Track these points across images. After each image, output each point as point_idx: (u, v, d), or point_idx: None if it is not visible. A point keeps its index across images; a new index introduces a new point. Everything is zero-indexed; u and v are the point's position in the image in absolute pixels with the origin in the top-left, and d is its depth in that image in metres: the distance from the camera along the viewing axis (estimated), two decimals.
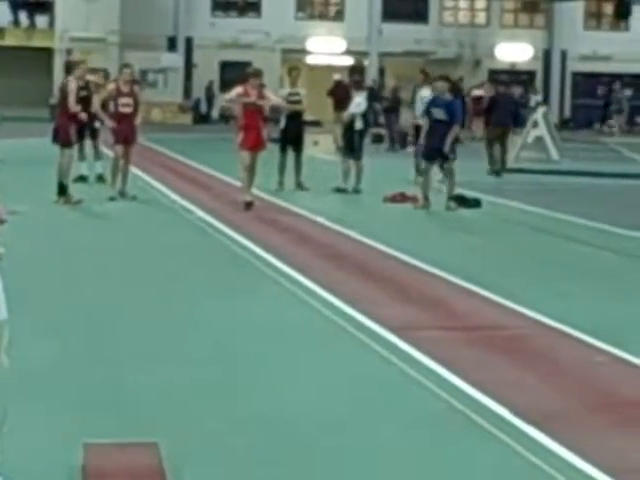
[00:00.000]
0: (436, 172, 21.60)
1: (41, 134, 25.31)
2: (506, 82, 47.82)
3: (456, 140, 21.93)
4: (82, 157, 22.75)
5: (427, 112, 21.56)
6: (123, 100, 20.74)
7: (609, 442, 7.21)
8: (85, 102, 20.78)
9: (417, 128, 24.29)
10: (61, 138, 20.10)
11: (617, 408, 8.05)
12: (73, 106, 20.13)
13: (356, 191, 22.91)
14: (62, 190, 19.69)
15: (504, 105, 31.30)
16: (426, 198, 20.81)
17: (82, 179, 22.42)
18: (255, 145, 19.65)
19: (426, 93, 24.00)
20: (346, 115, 23.90)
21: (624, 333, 10.23)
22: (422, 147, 21.91)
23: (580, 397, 8.37)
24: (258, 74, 20.39)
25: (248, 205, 19.26)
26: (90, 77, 22.08)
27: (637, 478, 6.45)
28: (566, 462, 6.74)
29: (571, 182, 27.69)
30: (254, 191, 19.82)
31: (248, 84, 19.97)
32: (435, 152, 21.01)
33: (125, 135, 20.67)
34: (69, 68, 21.49)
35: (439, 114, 21.08)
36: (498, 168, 29.45)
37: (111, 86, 21.56)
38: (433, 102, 21.62)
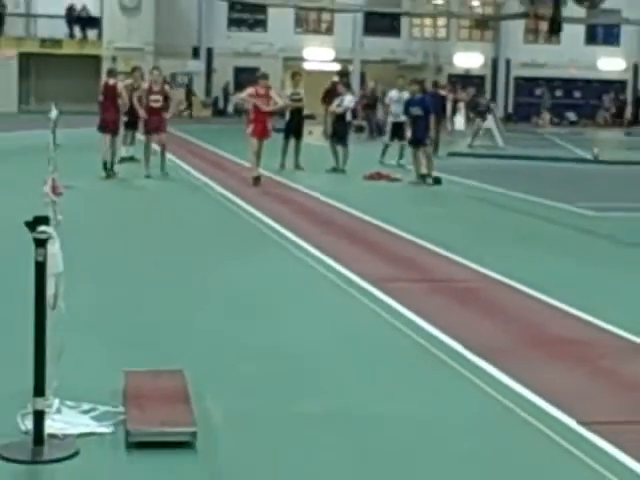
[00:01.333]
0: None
1: (90, 125, 25.17)
2: (462, 84, 47.77)
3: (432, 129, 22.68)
4: (125, 142, 22.72)
5: (406, 111, 21.83)
6: (153, 97, 20.69)
7: (542, 371, 7.24)
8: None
9: (395, 125, 24.75)
10: (110, 128, 20.13)
11: (548, 344, 8.07)
12: (125, 103, 20.28)
13: (342, 171, 22.92)
14: (106, 168, 19.75)
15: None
16: (418, 176, 21.11)
17: (127, 159, 22.33)
18: (262, 134, 19.58)
19: (393, 94, 25.43)
20: (341, 109, 23.93)
21: (554, 285, 10.24)
22: (409, 138, 22.31)
23: (519, 336, 8.39)
24: (266, 77, 20.41)
25: (256, 180, 19.23)
26: (127, 80, 22.00)
27: (563, 398, 6.46)
28: (507, 386, 6.77)
29: (513, 164, 27.67)
30: (260, 170, 19.79)
31: (258, 85, 19.86)
32: (418, 141, 21.34)
33: (155, 125, 20.62)
34: (110, 73, 21.50)
35: (416, 111, 21.20)
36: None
37: (145, 85, 21.48)
38: (410, 102, 21.73)
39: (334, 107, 24.24)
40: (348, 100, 24.16)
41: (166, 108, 21.07)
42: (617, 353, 7.80)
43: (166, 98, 21.04)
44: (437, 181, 20.90)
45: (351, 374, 7.07)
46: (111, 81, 20.75)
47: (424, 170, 21.18)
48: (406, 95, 22.89)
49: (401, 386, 6.85)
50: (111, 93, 20.41)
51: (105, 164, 19.89)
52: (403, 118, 23.04)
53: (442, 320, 8.58)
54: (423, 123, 21.33)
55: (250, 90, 20.06)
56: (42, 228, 5.49)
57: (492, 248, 12.89)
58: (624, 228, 15.36)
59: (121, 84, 20.87)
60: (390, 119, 25.41)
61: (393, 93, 25.54)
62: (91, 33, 53.79)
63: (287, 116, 23.66)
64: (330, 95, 27.46)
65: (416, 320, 8.60)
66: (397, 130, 24.60)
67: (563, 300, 9.45)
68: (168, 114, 21.15)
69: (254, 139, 19.60)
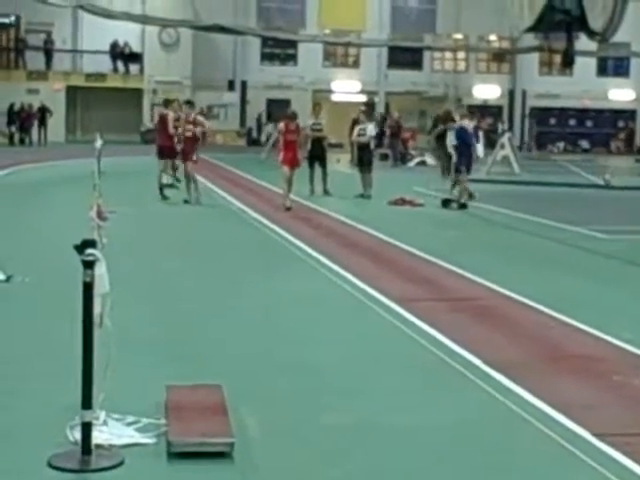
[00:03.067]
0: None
1: (133, 153, 25.37)
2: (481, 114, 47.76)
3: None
4: (165, 170, 22.74)
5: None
6: (187, 126, 20.74)
7: (557, 385, 7.22)
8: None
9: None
10: (166, 154, 20.38)
11: (564, 360, 8.04)
12: (171, 130, 20.49)
13: (368, 197, 22.90)
14: (162, 191, 20.08)
15: None
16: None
17: (168, 186, 22.32)
18: (292, 163, 19.86)
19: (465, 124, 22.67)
20: (365, 138, 23.88)
21: (567, 303, 10.20)
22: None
23: (535, 351, 8.36)
24: (294, 116, 20.88)
25: (287, 209, 19.22)
26: (171, 112, 21.96)
27: (577, 411, 6.44)
28: (524, 400, 6.75)
29: (529, 190, 27.59)
30: (292, 196, 19.83)
31: (288, 122, 20.37)
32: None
33: (184, 153, 20.61)
34: (166, 103, 21.81)
35: (454, 141, 21.89)
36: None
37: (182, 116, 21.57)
38: (458, 133, 21.87)
39: (355, 136, 24.25)
40: (370, 129, 24.13)
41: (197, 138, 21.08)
42: (630, 369, 7.75)
43: (195, 127, 20.95)
44: (463, 206, 20.88)
45: (378, 387, 7.07)
46: (164, 111, 21.11)
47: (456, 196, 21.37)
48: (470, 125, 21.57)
49: (426, 399, 6.84)
50: (164, 122, 20.75)
51: (161, 188, 20.27)
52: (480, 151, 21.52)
53: (462, 337, 8.57)
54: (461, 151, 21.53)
55: (281, 125, 20.61)
56: (90, 251, 5.54)
57: (509, 269, 12.86)
58: (635, 250, 15.29)
59: (172, 114, 21.08)
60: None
61: (465, 123, 22.82)
62: (133, 67, 54.12)
63: (309, 145, 23.62)
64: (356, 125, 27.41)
65: (438, 336, 8.59)
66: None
67: (577, 318, 9.41)
68: (203, 142, 21.27)
69: (285, 167, 19.75)
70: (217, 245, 14.53)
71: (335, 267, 12.29)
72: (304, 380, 7.18)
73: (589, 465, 5.54)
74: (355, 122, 25.50)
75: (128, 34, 50.95)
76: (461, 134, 21.68)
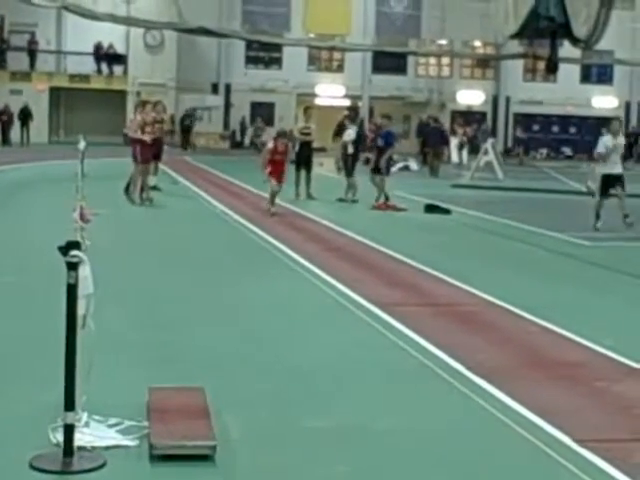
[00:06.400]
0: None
1: (117, 155, 25.28)
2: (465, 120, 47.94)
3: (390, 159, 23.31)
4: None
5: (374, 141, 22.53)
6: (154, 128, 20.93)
7: (539, 391, 7.24)
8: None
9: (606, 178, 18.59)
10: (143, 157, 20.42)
11: (545, 366, 8.07)
12: (132, 133, 20.39)
13: (354, 201, 22.89)
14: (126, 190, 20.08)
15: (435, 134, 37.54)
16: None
17: (154, 188, 22.23)
18: (280, 180, 19.61)
19: (606, 140, 18.56)
20: (341, 142, 23.98)
21: (549, 309, 10.24)
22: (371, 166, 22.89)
23: (518, 357, 8.39)
24: (285, 135, 20.57)
25: (273, 214, 19.12)
26: (151, 113, 21.80)
27: (558, 417, 6.47)
28: (506, 405, 6.77)
29: (512, 196, 27.68)
30: (277, 200, 19.80)
31: (278, 142, 19.79)
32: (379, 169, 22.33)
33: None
34: (138, 106, 21.68)
35: (380, 143, 22.43)
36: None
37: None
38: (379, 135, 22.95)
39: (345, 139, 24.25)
40: (347, 134, 24.09)
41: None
42: (611, 375, 7.78)
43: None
44: (446, 211, 20.95)
45: (360, 391, 7.08)
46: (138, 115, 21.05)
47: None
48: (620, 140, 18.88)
49: (407, 403, 6.86)
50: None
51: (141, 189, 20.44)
52: (619, 170, 18.60)
53: (445, 342, 8.59)
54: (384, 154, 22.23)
55: (270, 146, 19.99)
56: (74, 252, 5.53)
57: (492, 274, 12.90)
58: (616, 257, 15.36)
59: (138, 117, 20.95)
60: (601, 169, 18.73)
61: (606, 139, 18.65)
62: (117, 69, 54.09)
63: (296, 148, 23.54)
64: (340, 129, 27.34)
65: (420, 341, 8.61)
66: (614, 183, 18.48)
67: (559, 324, 9.44)
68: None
69: (273, 181, 19.59)
70: (200, 248, 14.52)
71: (318, 271, 12.30)
72: (287, 383, 7.19)
73: (570, 470, 5.57)
74: (341, 126, 25.41)
75: (112, 35, 50.91)
76: (388, 137, 22.60)
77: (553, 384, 7.45)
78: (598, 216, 18.61)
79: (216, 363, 7.68)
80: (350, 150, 23.73)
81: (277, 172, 19.55)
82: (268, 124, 56.38)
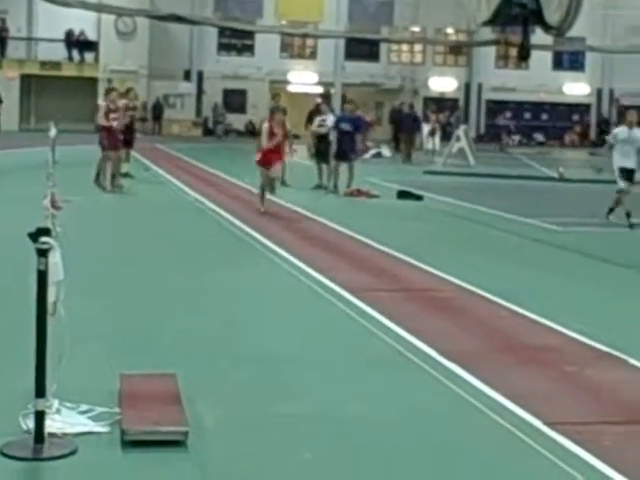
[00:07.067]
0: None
1: (87, 142, 25.16)
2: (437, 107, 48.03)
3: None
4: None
5: (336, 126, 22.31)
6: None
7: (510, 375, 7.28)
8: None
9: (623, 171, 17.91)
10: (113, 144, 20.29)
11: (516, 350, 8.11)
12: (101, 120, 20.31)
13: (333, 188, 22.70)
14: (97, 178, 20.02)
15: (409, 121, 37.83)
16: (334, 187, 22.08)
17: (123, 175, 22.11)
18: (272, 165, 17.53)
19: (621, 130, 18.34)
20: (324, 129, 23.77)
21: (521, 294, 10.29)
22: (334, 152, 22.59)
23: (489, 342, 8.44)
24: (285, 112, 18.38)
25: (262, 213, 17.36)
26: (122, 100, 21.71)
27: (529, 401, 6.50)
28: (477, 389, 6.81)
29: (484, 182, 27.77)
30: (249, 187, 19.74)
31: (274, 121, 17.55)
32: (343, 154, 22.15)
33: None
34: (106, 93, 21.60)
35: (346, 127, 22.18)
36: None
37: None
38: (341, 119, 22.84)
39: (315, 127, 24.15)
40: (330, 120, 24.03)
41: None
42: (581, 359, 7.83)
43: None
44: (419, 198, 20.99)
45: (332, 378, 7.09)
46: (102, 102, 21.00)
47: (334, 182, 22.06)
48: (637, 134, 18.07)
49: (378, 389, 6.87)
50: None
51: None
52: (632, 164, 17.99)
53: (417, 327, 8.62)
54: (350, 139, 22.07)
55: (265, 126, 17.80)
56: (44, 239, 5.51)
57: (464, 260, 12.94)
58: (587, 242, 15.45)
59: (103, 104, 20.87)
60: (617, 163, 18.05)
61: (621, 130, 18.44)
62: (89, 56, 53.78)
63: None
64: (313, 116, 27.28)
65: (393, 327, 8.63)
66: (627, 176, 18.00)
67: (531, 309, 9.50)
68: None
69: (262, 168, 17.75)
70: (173, 236, 14.48)
71: (292, 259, 12.31)
72: (260, 370, 7.19)
73: (540, 453, 5.61)
74: (313, 113, 25.38)
75: (84, 22, 50.59)
76: (357, 122, 22.76)
77: (524, 368, 7.50)
78: (612, 209, 17.89)
79: (189, 350, 7.67)
80: (331, 137, 23.48)
81: (268, 161, 17.50)
82: (240, 111, 56.41)
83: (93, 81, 51.89)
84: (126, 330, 8.31)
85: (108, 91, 21.74)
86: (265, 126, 17.75)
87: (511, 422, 6.10)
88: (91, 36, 53.51)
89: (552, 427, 6.00)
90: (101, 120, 20.48)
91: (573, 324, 8.83)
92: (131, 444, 5.47)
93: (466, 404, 6.51)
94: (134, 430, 5.52)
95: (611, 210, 17.97)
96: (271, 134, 17.32)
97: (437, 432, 6.00)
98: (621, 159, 17.91)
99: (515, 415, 6.26)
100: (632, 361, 7.71)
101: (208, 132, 55.44)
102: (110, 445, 5.51)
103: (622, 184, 17.75)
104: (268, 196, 17.85)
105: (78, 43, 53.38)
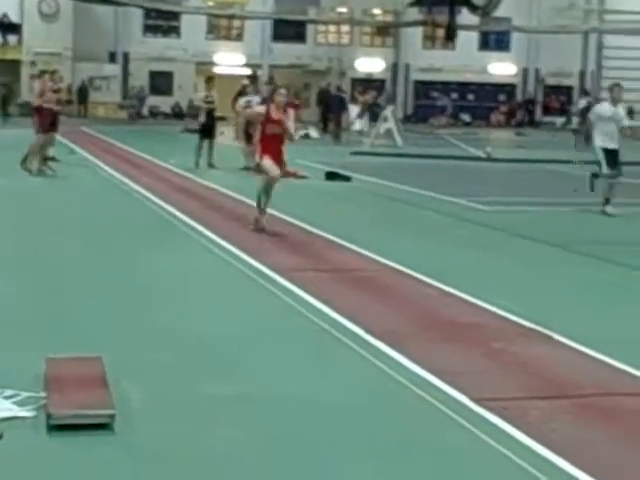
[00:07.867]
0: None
1: (11, 126, 24.86)
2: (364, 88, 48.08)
3: None
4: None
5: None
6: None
7: (437, 352, 7.36)
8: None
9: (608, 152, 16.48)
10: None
11: (443, 328, 8.19)
12: (36, 100, 20.18)
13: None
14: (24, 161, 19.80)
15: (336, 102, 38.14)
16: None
17: (49, 159, 21.90)
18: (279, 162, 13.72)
19: (604, 107, 16.96)
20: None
21: (449, 273, 10.38)
22: None
23: (416, 320, 8.51)
24: (280, 89, 14.06)
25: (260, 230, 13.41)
26: (49, 83, 21.57)
27: (456, 377, 6.57)
28: (404, 366, 6.87)
29: (412, 163, 27.91)
30: (179, 170, 19.63)
31: (273, 103, 13.56)
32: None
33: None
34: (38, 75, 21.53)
35: None
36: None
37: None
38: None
39: (240, 108, 23.98)
40: (255, 101, 23.90)
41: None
42: (508, 336, 7.93)
43: None
44: (347, 179, 21.04)
45: (259, 358, 7.11)
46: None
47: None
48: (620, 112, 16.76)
49: (306, 368, 6.90)
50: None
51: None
52: (616, 144, 16.65)
53: (345, 306, 8.66)
54: None
55: (259, 109, 14.44)
56: None
57: (393, 240, 13.00)
58: (512, 221, 15.60)
59: (36, 85, 20.85)
60: (599, 143, 16.72)
61: (604, 106, 17.13)
62: (12, 39, 53.00)
63: (202, 117, 23.57)
64: (239, 97, 27.15)
65: (320, 307, 8.66)
66: (611, 159, 16.59)
67: (457, 287, 9.59)
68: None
69: (266, 162, 13.51)
70: (99, 218, 14.35)
71: (220, 240, 12.27)
72: (187, 352, 7.17)
73: (467, 428, 5.68)
74: (239, 94, 25.34)
75: (6, 4, 49.94)
76: None
77: (450, 345, 7.58)
78: (608, 200, 16.30)
79: (115, 334, 7.63)
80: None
81: (275, 155, 13.53)
82: (166, 93, 56.05)
83: (16, 64, 51.18)
84: (50, 312, 8.23)
85: (39, 73, 21.75)
86: (258, 110, 14.55)
87: (437, 398, 6.16)
88: (14, 18, 52.73)
89: (478, 403, 6.08)
90: (36, 100, 20.40)
91: (499, 301, 8.94)
92: (57, 428, 5.43)
93: (391, 380, 6.56)
94: (60, 414, 5.48)
95: (607, 201, 16.33)
96: (268, 120, 13.41)
97: (363, 409, 6.05)
98: (604, 139, 16.51)
99: (441, 391, 6.32)
100: (557, 337, 7.82)
101: (138, 115, 54.91)
102: (36, 429, 5.47)
103: (607, 170, 16.33)
104: (191, 176, 17.76)
105: (1, 26, 52.60)
